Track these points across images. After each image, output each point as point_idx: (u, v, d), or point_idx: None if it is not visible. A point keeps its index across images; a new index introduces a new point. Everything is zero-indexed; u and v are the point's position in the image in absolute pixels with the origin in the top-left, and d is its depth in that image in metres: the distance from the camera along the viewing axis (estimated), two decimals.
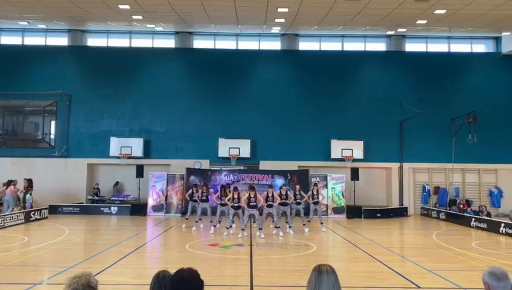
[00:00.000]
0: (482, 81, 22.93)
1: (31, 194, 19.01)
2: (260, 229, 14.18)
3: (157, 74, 22.93)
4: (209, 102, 22.63)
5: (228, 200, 14.67)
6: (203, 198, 15.77)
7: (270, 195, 14.48)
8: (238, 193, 14.61)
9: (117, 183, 22.45)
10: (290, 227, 14.94)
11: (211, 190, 16.89)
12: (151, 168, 21.66)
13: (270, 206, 14.46)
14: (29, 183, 19.60)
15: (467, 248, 12.54)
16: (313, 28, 21.83)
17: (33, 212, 17.67)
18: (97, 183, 22.34)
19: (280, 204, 14.78)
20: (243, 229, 14.20)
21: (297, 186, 16.01)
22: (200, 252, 11.56)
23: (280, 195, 14.84)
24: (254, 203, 14.18)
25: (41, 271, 9.42)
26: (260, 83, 22.95)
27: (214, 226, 15.22)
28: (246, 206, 14.24)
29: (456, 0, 16.71)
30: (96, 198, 21.75)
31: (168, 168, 22.08)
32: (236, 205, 14.40)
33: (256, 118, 22.35)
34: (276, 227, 14.69)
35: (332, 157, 21.97)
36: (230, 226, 14.66)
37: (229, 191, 15.07)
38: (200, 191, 15.94)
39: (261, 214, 14.80)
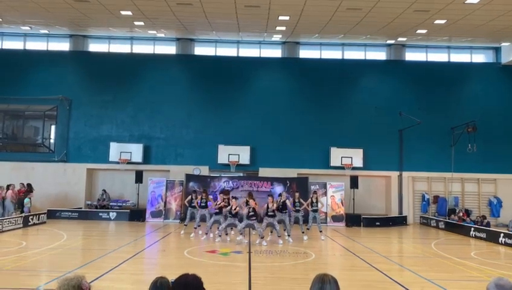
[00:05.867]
0: (481, 90, 22.98)
1: (30, 198, 18.98)
2: (262, 237, 14.11)
3: (157, 80, 22.97)
4: (209, 108, 22.67)
5: (224, 207, 14.73)
6: (202, 204, 15.73)
7: (270, 205, 14.46)
8: (236, 203, 14.62)
9: (104, 191, 21.93)
10: (288, 235, 14.90)
11: (210, 197, 16.86)
12: (150, 174, 21.63)
13: (270, 216, 14.42)
14: (29, 187, 19.58)
15: (466, 258, 12.51)
16: (314, 36, 21.92)
17: (31, 217, 17.63)
18: (102, 194, 21.86)
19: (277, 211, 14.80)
20: (241, 233, 14.20)
21: (297, 194, 16.01)
22: (198, 259, 11.52)
23: (278, 202, 14.85)
24: (253, 216, 14.30)
25: (39, 276, 9.39)
26: (260, 90, 22.99)
27: (206, 233, 15.14)
28: (245, 218, 14.37)
29: (456, 10, 16.79)
30: (95, 203, 21.63)
31: (168, 174, 22.06)
32: (233, 212, 14.44)
33: (256, 125, 22.37)
34: (277, 236, 14.62)
35: (331, 165, 21.94)
36: (221, 234, 14.69)
37: (228, 199, 15.03)
38: (199, 197, 15.92)
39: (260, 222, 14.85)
